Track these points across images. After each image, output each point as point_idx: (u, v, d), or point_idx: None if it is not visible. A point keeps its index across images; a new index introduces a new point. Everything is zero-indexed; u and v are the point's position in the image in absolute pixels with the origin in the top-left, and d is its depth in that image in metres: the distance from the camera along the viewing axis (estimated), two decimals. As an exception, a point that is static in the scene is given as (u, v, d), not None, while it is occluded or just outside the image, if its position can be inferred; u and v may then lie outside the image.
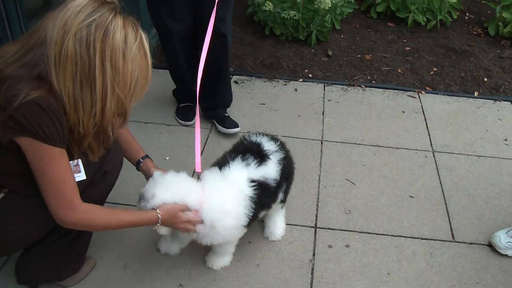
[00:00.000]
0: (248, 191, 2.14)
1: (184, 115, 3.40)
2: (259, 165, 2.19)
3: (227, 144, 3.16)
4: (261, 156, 2.22)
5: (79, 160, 1.90)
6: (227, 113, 3.39)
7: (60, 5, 1.66)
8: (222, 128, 3.28)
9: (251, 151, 2.24)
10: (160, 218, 1.98)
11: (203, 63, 2.29)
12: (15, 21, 4.06)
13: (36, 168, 1.71)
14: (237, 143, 2.38)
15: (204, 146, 3.19)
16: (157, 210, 1.98)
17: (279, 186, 2.28)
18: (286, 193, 2.42)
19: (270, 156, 2.24)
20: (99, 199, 2.13)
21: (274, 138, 2.36)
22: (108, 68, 1.64)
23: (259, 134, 2.36)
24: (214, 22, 2.82)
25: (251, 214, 2.15)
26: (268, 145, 2.29)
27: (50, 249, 2.10)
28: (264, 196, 2.19)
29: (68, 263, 2.21)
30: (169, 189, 2.03)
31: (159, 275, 2.38)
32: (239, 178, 2.15)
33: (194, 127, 2.37)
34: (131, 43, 1.67)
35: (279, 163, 2.25)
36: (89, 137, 1.77)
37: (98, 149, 1.85)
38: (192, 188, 2.08)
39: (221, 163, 2.23)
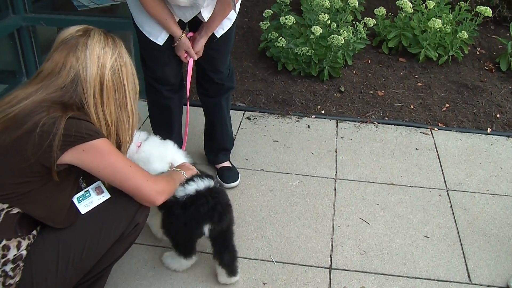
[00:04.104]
0: None
1: None
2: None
3: (235, 194, 3.18)
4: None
5: (99, 181, 2.03)
6: (229, 161, 3.34)
7: (74, 45, 1.84)
8: (220, 181, 3.22)
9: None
10: (183, 173, 2.33)
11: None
12: (29, 56, 4.13)
13: (103, 167, 1.84)
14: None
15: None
16: (179, 170, 2.35)
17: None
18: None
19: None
20: (123, 252, 2.15)
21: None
22: (131, 85, 1.95)
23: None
24: (209, 73, 2.89)
25: None
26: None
27: None
28: None
29: None
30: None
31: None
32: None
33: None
34: (130, 59, 1.98)
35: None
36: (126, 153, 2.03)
37: None
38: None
39: None
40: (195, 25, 2.75)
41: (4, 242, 1.77)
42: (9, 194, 1.75)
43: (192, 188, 2.32)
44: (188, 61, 2.78)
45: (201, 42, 2.73)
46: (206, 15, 2.63)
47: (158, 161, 2.46)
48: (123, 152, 1.99)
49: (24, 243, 1.82)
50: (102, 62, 1.84)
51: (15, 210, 1.78)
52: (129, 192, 1.96)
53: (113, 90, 1.87)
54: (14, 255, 1.79)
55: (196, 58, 2.77)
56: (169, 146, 2.58)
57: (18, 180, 1.74)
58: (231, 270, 2.47)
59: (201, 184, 2.34)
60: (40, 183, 1.78)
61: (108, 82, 1.85)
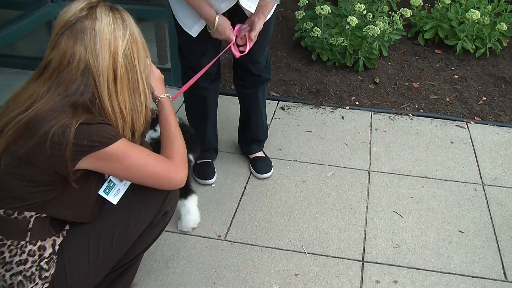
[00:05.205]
0: None
1: (203, 173, 3.17)
2: None
3: (268, 184, 3.18)
4: None
5: None
6: (262, 151, 3.33)
7: (81, 32, 1.66)
8: (253, 171, 3.23)
9: None
10: (167, 95, 2.10)
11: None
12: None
13: (119, 170, 1.78)
14: None
15: (245, 189, 3.15)
16: (164, 95, 2.09)
17: None
18: None
19: None
20: (153, 240, 2.16)
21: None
22: (142, 64, 1.77)
23: None
24: (247, 63, 2.86)
25: None
26: None
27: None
28: None
29: None
30: None
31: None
32: None
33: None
34: (140, 32, 1.80)
35: None
36: (140, 138, 1.89)
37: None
38: None
39: None
40: (233, 17, 2.70)
41: (39, 243, 1.78)
42: (34, 203, 1.73)
43: None
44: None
45: (260, 24, 2.62)
46: (245, 3, 2.55)
47: None
48: (137, 136, 1.87)
49: (59, 240, 1.84)
50: (114, 48, 1.68)
51: (45, 214, 1.78)
52: (152, 186, 1.90)
53: (127, 76, 1.72)
54: (50, 253, 1.81)
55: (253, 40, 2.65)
56: None
57: (40, 189, 1.71)
58: None
59: None
60: (63, 188, 1.75)
61: (121, 69, 1.70)
